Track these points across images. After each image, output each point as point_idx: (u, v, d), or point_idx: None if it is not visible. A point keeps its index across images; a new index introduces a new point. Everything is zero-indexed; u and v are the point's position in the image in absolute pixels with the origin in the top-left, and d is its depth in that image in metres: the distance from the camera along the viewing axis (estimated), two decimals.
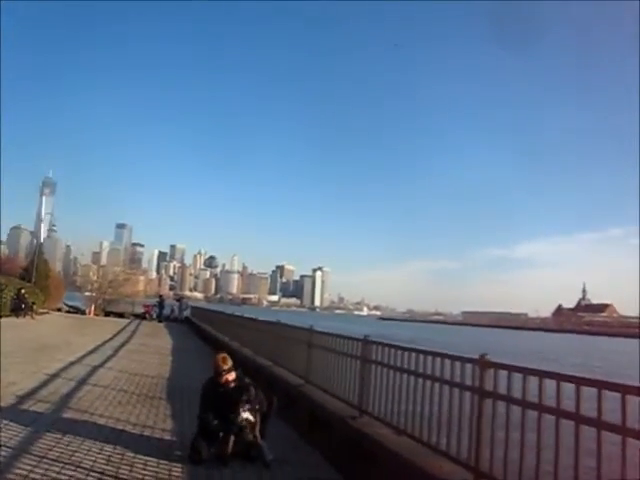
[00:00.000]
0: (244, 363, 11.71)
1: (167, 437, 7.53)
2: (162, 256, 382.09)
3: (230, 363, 6.95)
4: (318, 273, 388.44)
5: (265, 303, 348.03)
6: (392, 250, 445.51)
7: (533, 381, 4.19)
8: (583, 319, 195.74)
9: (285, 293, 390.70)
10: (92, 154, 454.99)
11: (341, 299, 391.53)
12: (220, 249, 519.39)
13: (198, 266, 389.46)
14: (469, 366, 4.91)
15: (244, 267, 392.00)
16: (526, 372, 4.26)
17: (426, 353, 5.62)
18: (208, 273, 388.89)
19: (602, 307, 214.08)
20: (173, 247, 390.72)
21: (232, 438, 6.54)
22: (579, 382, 3.78)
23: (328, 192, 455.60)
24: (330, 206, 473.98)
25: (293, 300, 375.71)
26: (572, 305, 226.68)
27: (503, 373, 4.47)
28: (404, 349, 6.25)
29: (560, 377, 3.98)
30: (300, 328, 10.64)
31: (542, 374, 4.12)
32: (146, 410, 9.12)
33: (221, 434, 6.57)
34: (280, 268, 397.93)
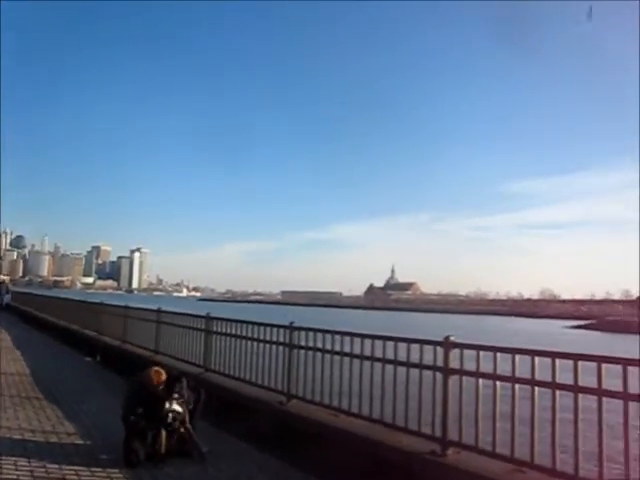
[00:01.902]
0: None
1: (79, 441, 6.90)
2: None
3: (164, 376, 6.60)
4: (136, 254, 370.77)
5: (79, 285, 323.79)
6: (211, 231, 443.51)
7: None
8: (391, 297, 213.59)
9: (101, 275, 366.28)
10: None
11: (160, 280, 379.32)
12: (29, 229, 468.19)
13: (3, 247, 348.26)
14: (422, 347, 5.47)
15: (56, 247, 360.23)
16: (485, 349, 4.96)
17: (390, 339, 5.97)
18: (15, 254, 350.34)
19: (408, 285, 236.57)
20: None
21: (164, 434, 6.25)
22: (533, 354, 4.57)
23: (145, 170, 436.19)
24: (149, 187, 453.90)
25: (109, 282, 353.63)
26: (382, 284, 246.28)
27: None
28: (343, 333, 6.61)
29: (514, 351, 4.72)
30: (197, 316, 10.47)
31: (497, 349, 4.87)
32: (32, 413, 8.20)
33: (150, 433, 6.20)
34: (96, 249, 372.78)
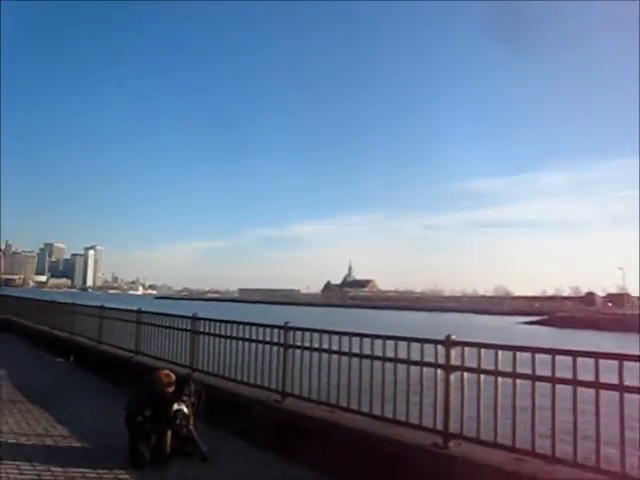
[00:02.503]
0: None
1: (77, 444, 6.91)
2: None
3: (173, 378, 6.67)
4: (91, 252, 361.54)
5: (32, 284, 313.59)
6: (168, 230, 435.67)
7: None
8: (348, 294, 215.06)
9: (54, 273, 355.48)
10: None
11: (115, 278, 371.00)
12: None
13: None
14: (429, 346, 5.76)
15: (7, 245, 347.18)
16: (486, 347, 5.29)
17: (390, 338, 6.21)
18: None
19: (365, 283, 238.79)
20: None
21: (169, 435, 6.36)
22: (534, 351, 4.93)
23: (99, 165, 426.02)
24: (103, 182, 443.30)
25: (63, 280, 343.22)
26: (339, 281, 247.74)
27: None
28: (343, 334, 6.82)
29: (515, 348, 5.08)
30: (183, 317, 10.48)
31: (498, 347, 5.21)
32: (20, 417, 8.10)
33: (154, 435, 6.29)
34: (49, 246, 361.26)
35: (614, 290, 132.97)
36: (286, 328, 7.57)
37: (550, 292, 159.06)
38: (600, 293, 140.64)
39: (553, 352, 4.75)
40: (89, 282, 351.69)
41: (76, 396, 9.94)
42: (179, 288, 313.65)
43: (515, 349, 5.02)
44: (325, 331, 7.03)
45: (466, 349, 5.45)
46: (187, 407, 6.53)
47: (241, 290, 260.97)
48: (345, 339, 6.68)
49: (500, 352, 5.16)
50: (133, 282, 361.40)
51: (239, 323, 8.51)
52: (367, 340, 6.38)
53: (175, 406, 6.44)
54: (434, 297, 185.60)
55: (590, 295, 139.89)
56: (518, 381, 4.99)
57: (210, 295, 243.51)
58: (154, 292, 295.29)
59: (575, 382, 4.59)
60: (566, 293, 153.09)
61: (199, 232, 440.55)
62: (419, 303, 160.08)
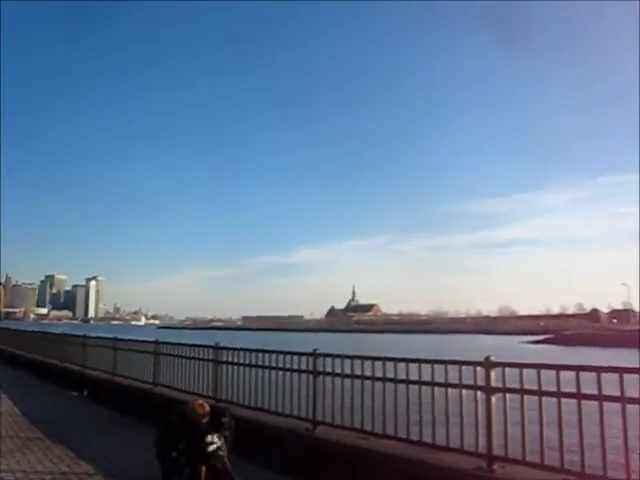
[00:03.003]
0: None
1: None
2: None
3: (207, 409, 6.48)
4: (92, 282, 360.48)
5: (32, 317, 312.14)
6: (168, 259, 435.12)
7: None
8: (353, 318, 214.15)
9: (55, 305, 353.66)
10: None
11: (117, 309, 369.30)
12: None
13: None
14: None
15: (7, 277, 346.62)
16: (527, 367, 5.27)
17: (426, 362, 6.18)
18: None
19: (369, 307, 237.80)
20: None
21: (204, 469, 6.18)
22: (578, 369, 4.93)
23: (96, 198, 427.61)
24: (101, 212, 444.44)
25: (64, 312, 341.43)
26: (343, 306, 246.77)
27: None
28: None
29: (559, 367, 5.07)
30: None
31: (540, 366, 5.20)
32: (41, 455, 7.98)
33: (187, 469, 6.12)
34: (50, 278, 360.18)
35: (618, 306, 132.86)
36: (315, 355, 7.53)
37: (555, 310, 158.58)
38: (604, 309, 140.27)
39: (598, 370, 4.75)
40: (91, 313, 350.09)
41: (95, 431, 9.84)
42: (182, 318, 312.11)
43: (558, 368, 5.01)
44: (356, 357, 7.01)
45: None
46: (223, 440, 6.35)
47: (245, 318, 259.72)
48: (379, 365, 6.63)
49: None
50: (135, 312, 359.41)
51: (265, 352, 8.45)
52: (401, 365, 6.36)
53: (209, 438, 6.29)
54: (439, 319, 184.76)
55: (595, 312, 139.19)
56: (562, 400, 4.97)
57: (214, 324, 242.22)
58: (157, 322, 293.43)
59: (624, 399, 4.57)
60: (571, 311, 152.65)
61: (200, 261, 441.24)
62: (424, 326, 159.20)
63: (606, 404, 4.67)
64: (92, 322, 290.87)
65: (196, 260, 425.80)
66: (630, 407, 4.56)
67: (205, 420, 6.32)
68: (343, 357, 7.21)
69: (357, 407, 6.79)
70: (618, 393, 4.63)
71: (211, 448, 6.24)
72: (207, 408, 6.45)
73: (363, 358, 6.87)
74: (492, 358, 5.49)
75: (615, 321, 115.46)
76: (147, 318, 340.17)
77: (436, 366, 6.00)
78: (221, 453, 6.26)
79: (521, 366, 5.28)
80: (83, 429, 10.00)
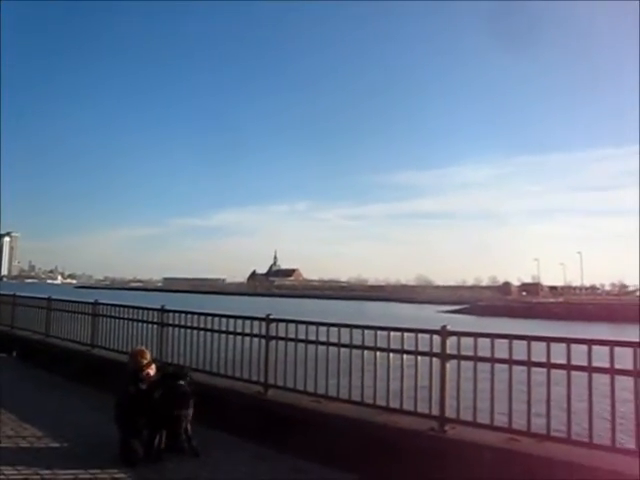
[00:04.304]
0: None
1: (55, 444, 6.63)
2: None
3: (149, 356, 6.65)
4: (6, 239, 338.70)
5: None
6: (88, 217, 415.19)
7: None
8: (274, 283, 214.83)
9: None
10: None
11: (32, 267, 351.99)
12: None
13: None
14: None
15: None
16: (482, 336, 5.64)
17: (383, 329, 6.44)
18: None
19: (290, 272, 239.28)
20: None
21: (164, 432, 6.23)
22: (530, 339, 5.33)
23: (12, 146, 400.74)
24: (16, 162, 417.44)
25: None
26: (265, 271, 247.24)
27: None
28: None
29: (510, 337, 5.48)
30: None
31: (494, 336, 5.57)
32: None
33: (146, 431, 6.15)
34: None
35: (528, 280, 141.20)
36: (268, 320, 7.60)
37: (470, 282, 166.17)
38: (515, 283, 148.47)
39: (548, 340, 5.18)
40: (4, 271, 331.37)
41: (34, 394, 9.54)
42: (100, 277, 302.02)
43: (512, 337, 5.39)
44: (310, 322, 7.15)
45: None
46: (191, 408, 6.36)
47: (165, 279, 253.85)
48: (334, 330, 6.83)
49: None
50: (51, 271, 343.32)
51: (216, 315, 8.44)
52: (357, 331, 6.60)
53: (187, 410, 6.31)
54: (359, 286, 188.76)
55: (506, 285, 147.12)
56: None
57: (133, 284, 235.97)
58: (74, 281, 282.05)
59: (568, 367, 5.02)
60: (484, 283, 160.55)
61: (120, 219, 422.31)
62: (344, 292, 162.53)
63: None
64: (5, 280, 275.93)
65: (116, 218, 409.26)
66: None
67: (151, 369, 6.47)
68: (297, 322, 7.32)
69: (311, 372, 6.97)
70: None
71: (181, 417, 6.25)
72: (147, 354, 6.64)
73: (318, 324, 7.05)
74: (448, 327, 5.82)
75: (525, 294, 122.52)
76: (64, 277, 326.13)
77: (392, 333, 6.28)
78: (177, 414, 6.25)
79: (475, 335, 5.64)
80: (21, 392, 9.61)
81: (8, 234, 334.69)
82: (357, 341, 6.57)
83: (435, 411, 5.75)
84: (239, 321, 8.03)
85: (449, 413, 5.67)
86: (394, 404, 6.09)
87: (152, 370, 6.57)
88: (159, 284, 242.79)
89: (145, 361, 6.55)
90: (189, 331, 8.80)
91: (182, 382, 6.39)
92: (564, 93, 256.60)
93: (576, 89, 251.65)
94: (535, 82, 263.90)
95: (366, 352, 6.48)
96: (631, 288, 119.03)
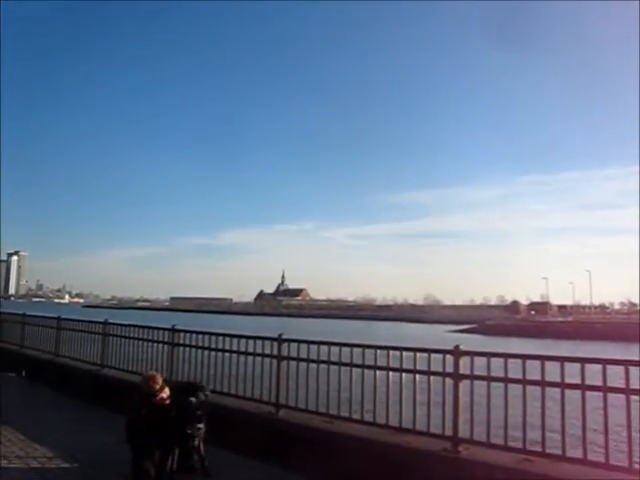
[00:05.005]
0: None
1: (66, 464, 6.69)
2: None
3: (161, 381, 6.56)
4: (14, 258, 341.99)
5: None
6: (95, 236, 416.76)
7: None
8: (282, 303, 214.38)
9: None
10: None
11: (40, 286, 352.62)
12: None
13: None
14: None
15: None
16: (495, 355, 5.63)
17: (395, 349, 6.44)
18: None
19: (297, 292, 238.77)
20: None
21: (177, 451, 6.25)
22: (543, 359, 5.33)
23: (18, 169, 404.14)
24: (24, 184, 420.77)
25: None
26: (272, 290, 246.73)
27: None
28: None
29: (524, 357, 5.46)
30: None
31: (507, 356, 5.56)
32: None
33: (157, 452, 6.12)
34: None
35: (537, 299, 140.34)
36: (280, 340, 7.62)
37: (478, 301, 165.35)
38: (524, 302, 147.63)
39: (562, 360, 5.16)
40: (12, 290, 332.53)
41: (44, 413, 9.52)
42: (107, 297, 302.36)
43: (525, 357, 5.38)
44: (323, 342, 7.17)
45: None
46: (197, 420, 6.35)
47: (172, 299, 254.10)
48: (346, 350, 6.82)
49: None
50: (59, 290, 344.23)
51: (227, 335, 8.46)
52: (370, 351, 6.59)
53: (199, 425, 6.31)
54: (366, 306, 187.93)
55: (515, 304, 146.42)
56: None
57: (140, 304, 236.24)
58: (81, 301, 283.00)
59: (583, 387, 5.00)
60: (493, 302, 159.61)
61: (127, 239, 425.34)
62: (352, 311, 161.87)
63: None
64: (13, 299, 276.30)
65: (123, 238, 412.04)
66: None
67: (164, 393, 6.37)
68: (310, 343, 7.34)
69: (323, 392, 6.96)
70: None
71: (193, 435, 6.26)
72: (159, 379, 6.53)
73: (330, 344, 7.05)
74: (461, 347, 5.82)
75: (533, 313, 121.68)
76: (71, 296, 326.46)
77: (405, 353, 6.27)
78: (190, 432, 6.26)
79: (488, 355, 5.63)
80: (30, 411, 9.63)
81: (16, 253, 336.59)
82: (369, 361, 6.56)
83: (448, 431, 5.73)
84: (250, 341, 8.04)
85: (462, 433, 5.64)
86: (407, 424, 6.06)
87: (165, 394, 6.49)
88: (166, 303, 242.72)
89: (157, 386, 6.44)
90: (200, 351, 8.80)
91: (193, 399, 6.38)
92: (572, 113, 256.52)
93: (585, 109, 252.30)
94: (543, 103, 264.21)
95: (378, 372, 6.46)
96: None
